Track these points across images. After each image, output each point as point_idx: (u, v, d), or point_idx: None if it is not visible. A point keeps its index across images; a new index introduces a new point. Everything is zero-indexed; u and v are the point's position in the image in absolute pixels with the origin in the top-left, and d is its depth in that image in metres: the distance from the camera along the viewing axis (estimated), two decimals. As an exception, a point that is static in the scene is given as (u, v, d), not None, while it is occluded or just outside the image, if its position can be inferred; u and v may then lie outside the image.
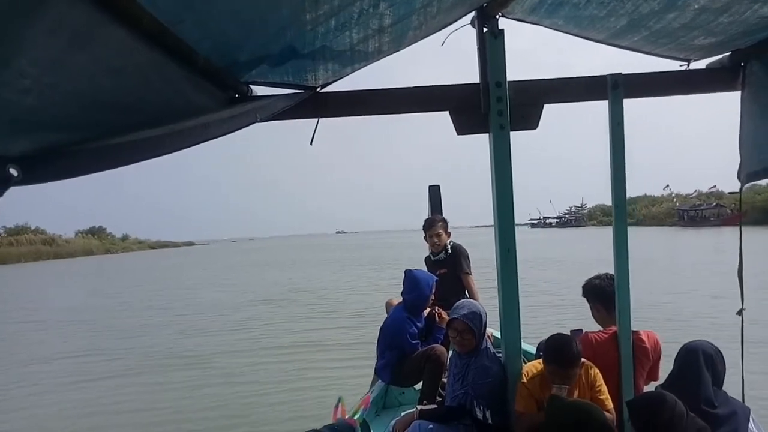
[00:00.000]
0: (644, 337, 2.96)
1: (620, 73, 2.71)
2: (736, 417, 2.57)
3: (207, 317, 15.54)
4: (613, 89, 2.71)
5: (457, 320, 3.07)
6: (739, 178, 2.80)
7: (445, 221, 4.81)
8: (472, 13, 2.67)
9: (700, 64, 2.84)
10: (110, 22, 1.03)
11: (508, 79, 2.65)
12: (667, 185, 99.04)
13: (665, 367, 2.91)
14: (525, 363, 2.95)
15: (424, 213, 5.44)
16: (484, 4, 2.58)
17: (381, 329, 4.12)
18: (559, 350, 2.64)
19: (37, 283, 33.13)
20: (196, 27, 1.41)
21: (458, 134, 2.74)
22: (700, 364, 2.63)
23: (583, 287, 3.18)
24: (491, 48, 2.62)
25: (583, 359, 2.70)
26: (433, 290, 4.00)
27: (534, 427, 2.63)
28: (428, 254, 4.89)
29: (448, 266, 4.64)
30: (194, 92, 1.67)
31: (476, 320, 3.06)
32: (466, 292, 4.54)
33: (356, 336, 10.91)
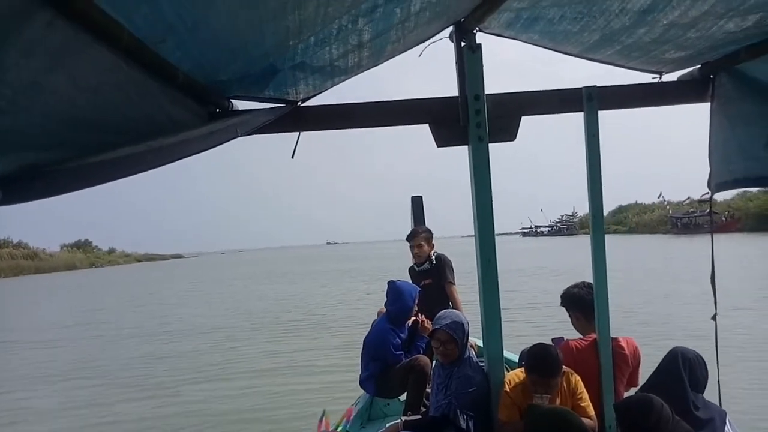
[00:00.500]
0: (623, 344, 3.00)
1: (594, 86, 2.78)
2: (713, 421, 2.62)
3: (180, 337, 14.42)
4: (588, 101, 2.78)
5: (439, 330, 3.10)
6: (709, 187, 2.88)
7: (427, 232, 4.85)
8: (450, 28, 2.73)
9: (672, 77, 2.92)
10: (88, 42, 1.04)
11: (486, 92, 2.71)
12: (660, 193, 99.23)
13: (645, 373, 2.96)
14: (508, 371, 2.98)
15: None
16: (462, 19, 2.64)
17: (364, 341, 4.13)
18: (540, 360, 2.67)
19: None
20: (177, 47, 1.43)
21: (438, 146, 2.78)
22: (679, 368, 2.68)
23: (561, 296, 3.23)
24: (469, 62, 2.67)
25: (564, 367, 2.74)
26: (416, 301, 4.03)
27: None
28: (412, 264, 4.93)
29: (433, 276, 4.68)
30: (174, 108, 1.68)
31: (458, 330, 3.08)
32: (450, 303, 4.57)
33: (342, 357, 9.93)
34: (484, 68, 2.68)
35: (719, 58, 2.61)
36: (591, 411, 2.77)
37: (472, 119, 2.69)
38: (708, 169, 2.84)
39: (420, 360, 3.85)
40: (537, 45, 2.85)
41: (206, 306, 22.02)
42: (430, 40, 2.76)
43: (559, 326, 3.61)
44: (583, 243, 3.04)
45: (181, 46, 1.44)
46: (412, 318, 4.08)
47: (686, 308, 12.44)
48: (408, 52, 2.78)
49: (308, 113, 2.70)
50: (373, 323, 4.27)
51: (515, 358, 3.69)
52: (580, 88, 2.80)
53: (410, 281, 4.55)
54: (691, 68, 2.82)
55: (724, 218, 68.05)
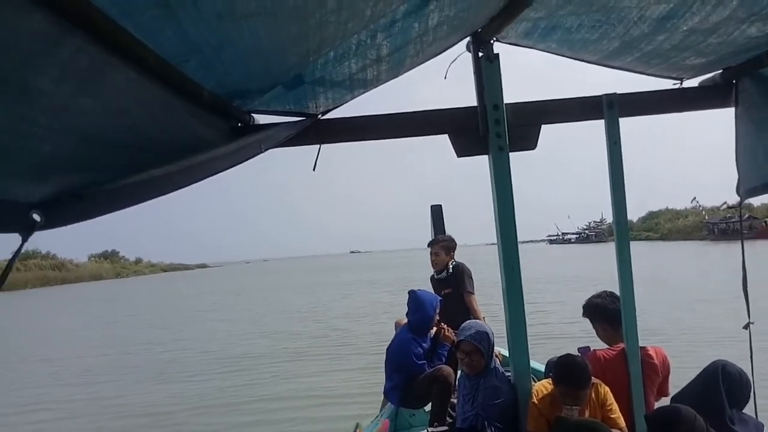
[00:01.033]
0: (652, 353, 2.95)
1: (615, 93, 2.76)
2: None
3: (193, 356, 13.30)
4: (609, 109, 2.75)
5: (464, 341, 3.08)
6: (738, 193, 2.82)
7: (446, 241, 4.85)
8: (468, 39, 2.75)
9: (693, 82, 2.88)
10: (115, 64, 1.07)
11: (505, 101, 2.71)
12: (695, 197, 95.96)
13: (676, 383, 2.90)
14: (535, 382, 2.94)
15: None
16: (479, 30, 2.65)
17: (387, 351, 4.12)
18: (570, 371, 2.63)
19: (16, 313, 30.23)
20: (201, 66, 1.47)
21: (458, 156, 2.79)
22: (718, 380, 2.60)
23: (583, 307, 3.17)
24: (487, 72, 2.68)
25: (592, 378, 2.70)
26: (438, 310, 4.01)
27: None
28: (433, 273, 4.93)
29: (452, 285, 4.67)
30: (198, 124, 1.72)
31: (484, 340, 3.07)
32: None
33: (364, 384, 8.51)
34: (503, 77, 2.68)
35: (742, 62, 2.57)
36: (622, 422, 2.72)
37: (492, 129, 2.69)
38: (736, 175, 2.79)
39: (443, 370, 3.83)
40: (554, 53, 2.85)
41: (229, 318, 21.22)
42: (450, 54, 2.77)
43: (584, 336, 3.53)
44: (612, 250, 2.97)
45: (205, 65, 1.48)
46: (434, 330, 4.07)
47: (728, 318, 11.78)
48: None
49: (329, 126, 2.73)
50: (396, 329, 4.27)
51: (541, 367, 3.65)
52: (600, 96, 2.78)
53: (432, 290, 4.55)
54: (712, 73, 2.78)
55: (765, 223, 65.71)
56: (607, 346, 3.06)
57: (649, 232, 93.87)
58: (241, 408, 8.43)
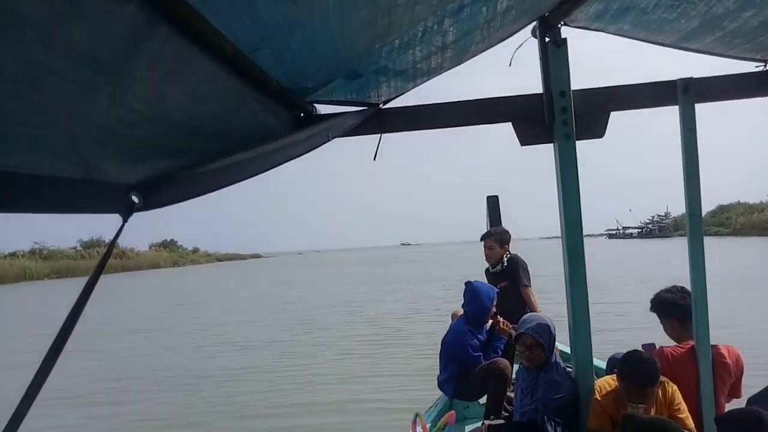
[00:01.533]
0: (725, 352, 2.80)
1: (690, 77, 2.62)
2: None
3: (225, 353, 12.13)
4: (684, 94, 2.62)
5: (525, 334, 3.02)
6: None
7: (500, 234, 4.77)
8: (533, 24, 2.67)
9: None
10: (197, 53, 1.10)
11: (572, 88, 2.63)
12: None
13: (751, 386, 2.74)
14: (596, 378, 2.87)
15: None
16: (546, 14, 2.57)
17: (442, 342, 4.11)
18: (637, 367, 2.55)
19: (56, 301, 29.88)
20: (271, 55, 1.49)
21: (522, 145, 2.72)
22: None
23: (651, 302, 3.04)
24: (554, 57, 2.60)
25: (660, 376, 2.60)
26: (494, 302, 3.96)
27: None
28: (487, 266, 4.87)
29: (507, 278, 4.60)
30: (266, 114, 1.76)
31: (545, 334, 3.00)
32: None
33: (414, 393, 7.23)
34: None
35: None
36: (690, 424, 2.61)
37: (558, 116, 2.61)
38: None
39: (500, 363, 3.79)
40: (626, 36, 2.72)
41: (273, 310, 20.15)
42: (514, 41, 2.71)
43: (647, 333, 3.37)
44: (679, 246, 2.82)
45: (275, 53, 1.50)
46: (490, 322, 4.02)
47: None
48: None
49: (391, 115, 2.72)
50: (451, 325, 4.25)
51: (602, 364, 3.54)
52: (674, 81, 2.65)
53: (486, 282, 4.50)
54: None
55: None
56: (674, 344, 2.93)
57: (719, 227, 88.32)
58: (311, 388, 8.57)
